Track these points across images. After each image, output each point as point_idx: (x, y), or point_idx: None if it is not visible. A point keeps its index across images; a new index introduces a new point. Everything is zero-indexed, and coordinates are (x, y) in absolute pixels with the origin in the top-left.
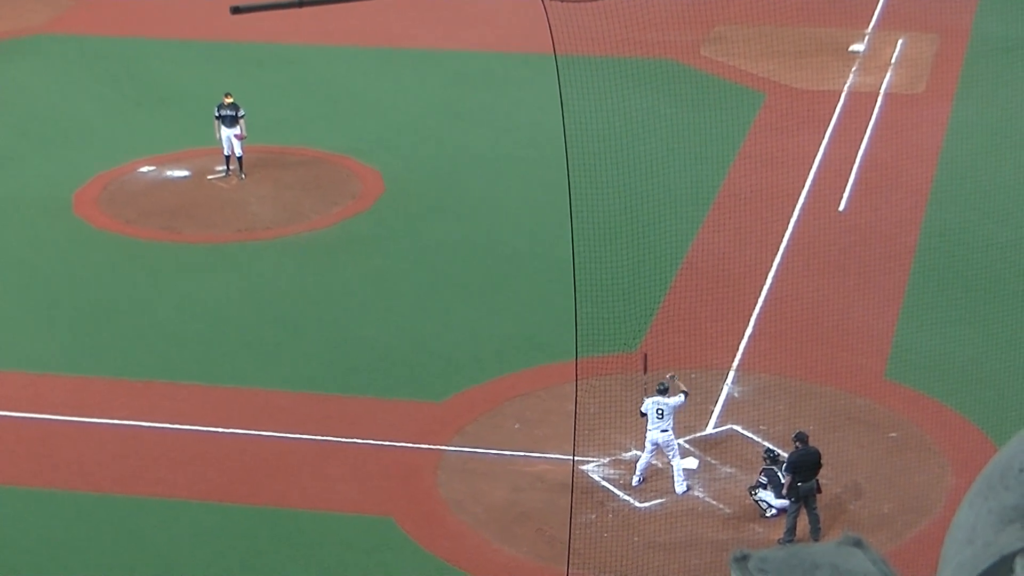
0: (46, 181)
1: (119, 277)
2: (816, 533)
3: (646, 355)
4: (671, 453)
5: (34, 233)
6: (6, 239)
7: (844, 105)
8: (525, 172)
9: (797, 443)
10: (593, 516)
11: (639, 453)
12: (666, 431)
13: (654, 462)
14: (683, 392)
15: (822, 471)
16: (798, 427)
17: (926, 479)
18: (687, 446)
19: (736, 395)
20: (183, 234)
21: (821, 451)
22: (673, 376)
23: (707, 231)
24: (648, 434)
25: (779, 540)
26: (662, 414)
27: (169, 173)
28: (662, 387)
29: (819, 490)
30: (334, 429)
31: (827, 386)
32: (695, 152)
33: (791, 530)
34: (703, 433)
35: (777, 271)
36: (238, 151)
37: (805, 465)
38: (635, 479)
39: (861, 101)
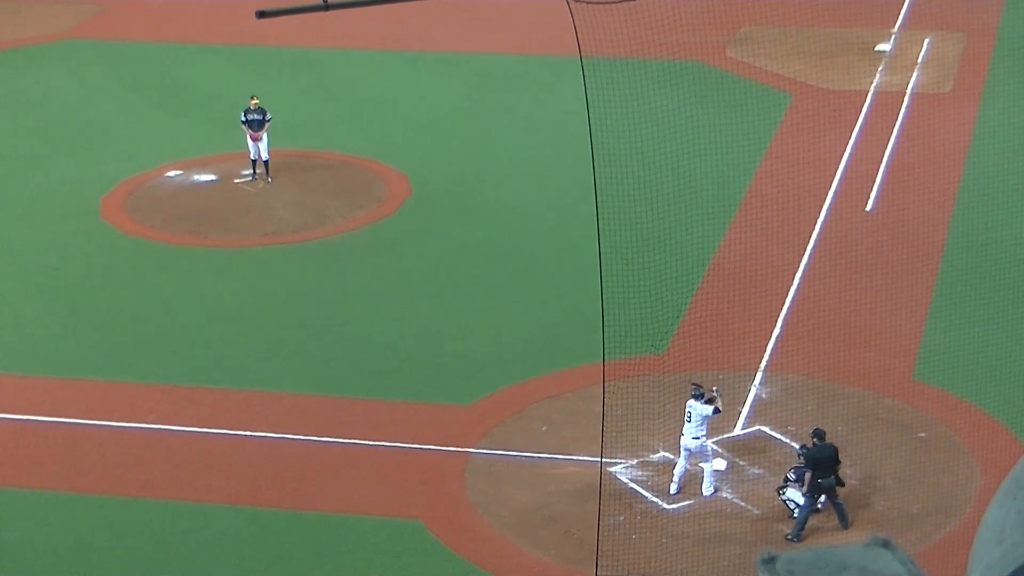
0: (73, 186)
1: (146, 281)
2: (843, 521)
3: None
4: (703, 459)
5: (61, 238)
6: (33, 243)
7: (871, 105)
8: (550, 174)
9: (814, 439)
10: (621, 518)
11: (667, 455)
12: (697, 438)
13: (688, 466)
14: (716, 408)
15: (845, 469)
16: (826, 428)
17: (955, 479)
18: (715, 447)
19: (764, 396)
20: (209, 238)
21: (848, 451)
22: (716, 390)
23: (734, 232)
24: (681, 439)
25: (786, 536)
26: (690, 417)
27: (195, 177)
28: (696, 391)
29: (841, 483)
30: (360, 432)
31: (855, 387)
32: (721, 153)
33: (800, 524)
34: (731, 434)
35: (804, 271)
36: (264, 155)
37: (823, 461)
38: (673, 486)
39: (888, 101)
